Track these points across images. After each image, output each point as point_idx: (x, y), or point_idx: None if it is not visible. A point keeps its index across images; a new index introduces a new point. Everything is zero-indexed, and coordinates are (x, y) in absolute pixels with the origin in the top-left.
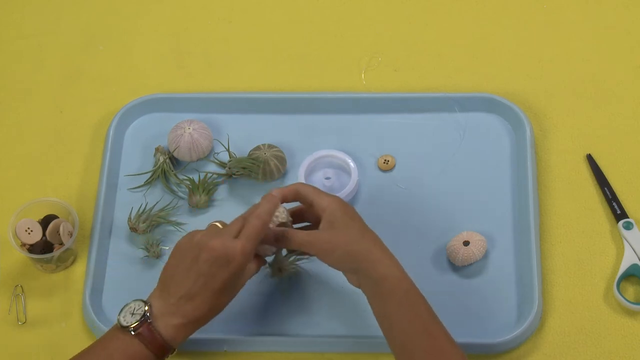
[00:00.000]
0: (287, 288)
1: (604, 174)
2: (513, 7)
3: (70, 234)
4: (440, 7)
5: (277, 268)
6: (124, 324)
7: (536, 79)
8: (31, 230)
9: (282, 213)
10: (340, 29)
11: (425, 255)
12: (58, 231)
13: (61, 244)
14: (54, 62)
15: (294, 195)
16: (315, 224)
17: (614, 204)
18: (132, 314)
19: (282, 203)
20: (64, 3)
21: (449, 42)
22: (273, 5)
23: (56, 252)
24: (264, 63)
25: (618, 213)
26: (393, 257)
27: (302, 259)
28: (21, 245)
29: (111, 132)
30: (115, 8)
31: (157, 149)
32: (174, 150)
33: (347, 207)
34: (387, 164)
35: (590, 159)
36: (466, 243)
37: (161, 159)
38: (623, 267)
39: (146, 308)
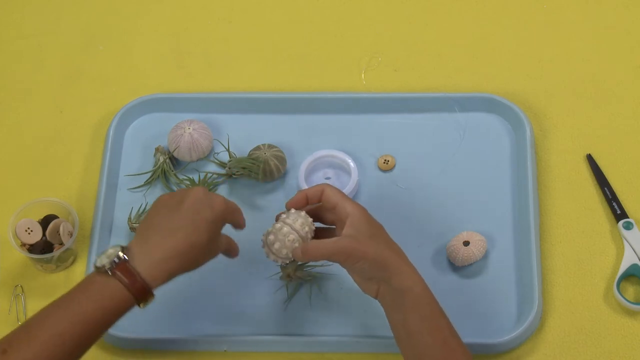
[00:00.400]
0: (287, 288)
1: (604, 174)
2: (513, 7)
3: (70, 234)
4: (440, 7)
5: (288, 274)
6: (98, 264)
7: (536, 79)
8: (31, 230)
9: (310, 225)
10: (340, 29)
11: (425, 255)
12: (58, 231)
13: (61, 244)
14: (54, 62)
15: (320, 195)
16: (328, 224)
17: (614, 204)
18: (108, 256)
19: (306, 203)
20: (64, 3)
21: (449, 42)
22: (273, 5)
23: (56, 252)
24: (264, 63)
25: (618, 213)
26: (416, 270)
27: (316, 266)
28: (21, 245)
29: (111, 132)
30: (115, 8)
31: (157, 149)
32: (174, 150)
33: (372, 217)
34: (387, 164)
35: (590, 159)
36: (466, 243)
37: (161, 159)
38: (623, 267)
39: (121, 251)
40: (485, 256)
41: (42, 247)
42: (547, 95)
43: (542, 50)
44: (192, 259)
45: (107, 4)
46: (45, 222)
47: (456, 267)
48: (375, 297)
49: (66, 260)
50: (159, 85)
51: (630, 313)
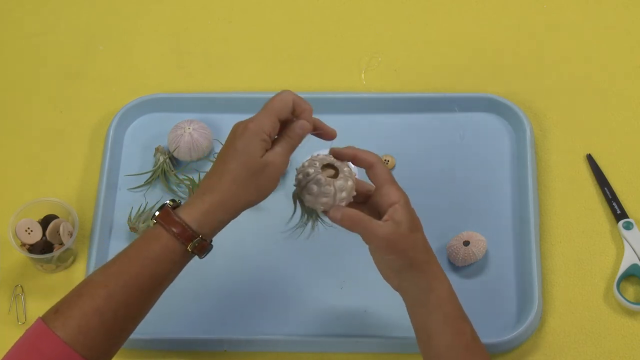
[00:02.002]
0: (287, 288)
1: (604, 174)
2: (513, 7)
3: (70, 234)
4: (440, 7)
5: (308, 214)
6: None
7: (536, 79)
8: (31, 230)
9: (350, 185)
10: (340, 29)
11: None
12: (58, 231)
13: (61, 244)
14: (54, 62)
15: (367, 166)
16: (362, 201)
17: (614, 204)
18: (160, 207)
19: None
20: (64, 3)
21: (449, 42)
22: (273, 5)
23: (56, 252)
24: (264, 63)
25: (618, 213)
26: (443, 270)
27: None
28: (21, 245)
29: (111, 132)
30: (115, 8)
31: (157, 149)
32: (174, 150)
33: (413, 208)
34: (387, 164)
35: (590, 159)
36: (466, 243)
37: (161, 159)
38: (623, 267)
39: (168, 201)
40: (485, 256)
41: (42, 247)
42: (547, 95)
43: (542, 50)
44: (241, 202)
45: (107, 4)
46: (45, 222)
47: (456, 267)
48: (396, 289)
49: (66, 260)
50: (159, 85)
51: (630, 313)
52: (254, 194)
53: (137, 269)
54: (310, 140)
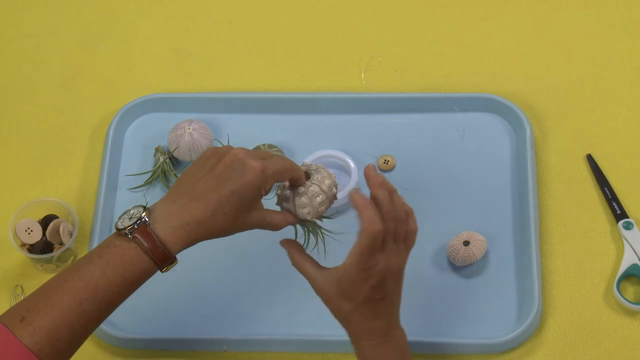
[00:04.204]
0: (287, 288)
1: (604, 174)
2: (513, 7)
3: (70, 234)
4: (440, 8)
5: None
6: (120, 226)
7: (536, 79)
8: (31, 230)
9: (335, 184)
10: (340, 29)
11: (425, 255)
12: (58, 231)
13: (61, 244)
14: (54, 62)
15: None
16: None
17: (614, 204)
18: (130, 218)
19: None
20: (64, 3)
21: (449, 42)
22: (273, 6)
23: (56, 252)
24: (264, 63)
25: (618, 213)
26: (376, 348)
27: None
28: (21, 245)
29: (111, 132)
30: (115, 8)
31: (157, 149)
32: (174, 150)
33: (358, 282)
34: (387, 164)
35: (590, 159)
36: (466, 243)
37: (161, 159)
38: (623, 267)
39: (144, 213)
40: (485, 256)
41: (42, 247)
42: (547, 95)
43: (542, 50)
44: (215, 228)
45: (107, 4)
46: (45, 222)
47: (456, 267)
48: None
49: (66, 260)
50: (159, 85)
51: (630, 313)
52: (233, 227)
53: (112, 288)
54: (311, 140)
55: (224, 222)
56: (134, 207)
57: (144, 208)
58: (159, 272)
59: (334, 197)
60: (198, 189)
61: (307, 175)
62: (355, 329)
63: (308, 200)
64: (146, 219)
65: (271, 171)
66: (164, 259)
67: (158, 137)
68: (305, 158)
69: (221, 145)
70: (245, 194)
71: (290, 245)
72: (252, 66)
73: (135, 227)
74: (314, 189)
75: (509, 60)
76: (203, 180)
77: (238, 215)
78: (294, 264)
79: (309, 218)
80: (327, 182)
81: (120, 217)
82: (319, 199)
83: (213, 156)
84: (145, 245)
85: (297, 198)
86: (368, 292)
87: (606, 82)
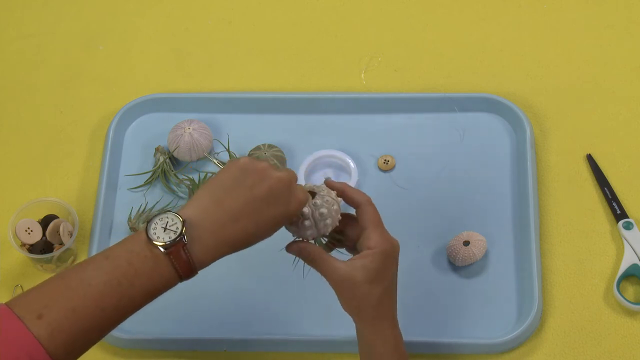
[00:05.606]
0: (287, 288)
1: (604, 174)
2: (513, 7)
3: (70, 234)
4: (440, 8)
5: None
6: (154, 236)
7: (536, 79)
8: (31, 230)
9: (339, 205)
10: (340, 29)
11: (425, 255)
12: (58, 231)
13: (61, 244)
14: (54, 62)
15: (354, 205)
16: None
17: (614, 204)
18: (165, 228)
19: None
20: (64, 3)
21: (449, 42)
22: (273, 6)
23: (56, 252)
24: (264, 63)
25: (618, 213)
26: (393, 327)
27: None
28: (21, 245)
29: (111, 132)
30: (115, 8)
31: (157, 149)
32: (174, 150)
33: (389, 261)
34: (387, 164)
35: (590, 159)
36: (466, 243)
37: (161, 159)
38: (623, 267)
39: (181, 227)
40: (485, 256)
41: (42, 247)
42: (547, 95)
43: (542, 50)
44: (244, 246)
45: (107, 4)
46: (45, 222)
47: (456, 267)
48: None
49: (66, 260)
50: (159, 85)
51: (630, 313)
52: (256, 242)
53: (137, 298)
54: (311, 140)
55: (255, 242)
56: (168, 212)
57: (180, 219)
58: None
59: (336, 219)
60: (237, 207)
61: (312, 194)
62: (382, 314)
63: (311, 222)
64: (185, 238)
65: (303, 197)
66: (190, 275)
67: (158, 137)
68: (305, 158)
69: (256, 157)
70: (284, 222)
71: (301, 244)
72: (252, 66)
73: (173, 243)
74: (321, 211)
75: (509, 60)
76: (243, 198)
77: (271, 233)
78: (312, 258)
79: (311, 238)
80: (323, 210)
81: (151, 221)
82: (325, 222)
83: (254, 172)
84: (178, 265)
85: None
86: (395, 272)
87: (606, 82)
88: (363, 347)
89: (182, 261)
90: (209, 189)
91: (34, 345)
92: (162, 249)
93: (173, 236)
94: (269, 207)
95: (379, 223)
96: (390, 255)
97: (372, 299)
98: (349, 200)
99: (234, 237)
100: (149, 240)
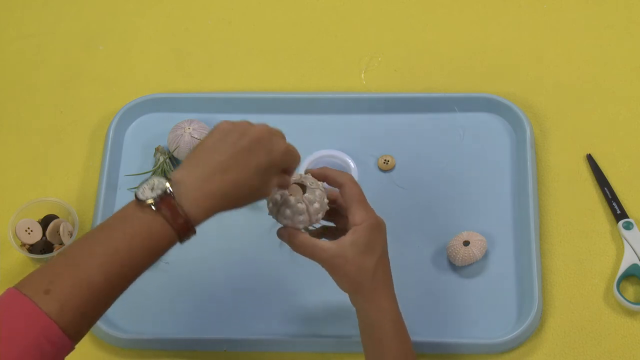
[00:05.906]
0: (287, 288)
1: (604, 174)
2: (513, 7)
3: (70, 234)
4: (440, 8)
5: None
6: (142, 197)
7: (536, 79)
8: (31, 230)
9: (319, 194)
10: (340, 29)
11: (425, 255)
12: (58, 231)
13: (61, 244)
14: (54, 62)
15: (338, 186)
16: (335, 222)
17: (614, 204)
18: (152, 189)
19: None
20: (64, 3)
21: (449, 42)
22: (273, 6)
23: (56, 252)
24: (264, 63)
25: (618, 213)
26: (392, 298)
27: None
28: (21, 245)
29: (111, 132)
30: (115, 8)
31: (157, 149)
32: (174, 150)
33: (377, 233)
34: (387, 164)
35: (590, 159)
36: (466, 243)
37: (161, 159)
38: (623, 267)
39: (167, 184)
40: (485, 256)
41: (42, 247)
42: (547, 95)
43: (542, 50)
44: (236, 200)
45: (107, 4)
46: (45, 222)
47: (456, 267)
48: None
49: None
50: (159, 85)
51: (630, 313)
52: (252, 199)
53: (138, 261)
54: (311, 140)
55: (247, 194)
56: (153, 176)
57: (166, 178)
58: (157, 275)
59: (325, 205)
60: (223, 160)
61: (303, 187)
62: (379, 285)
63: (304, 206)
64: (171, 190)
65: (291, 150)
66: (186, 231)
67: (158, 137)
68: (305, 158)
69: (235, 120)
70: (272, 167)
71: (288, 231)
72: (252, 66)
73: (160, 198)
74: (309, 196)
75: (509, 60)
76: (228, 152)
77: (262, 187)
78: (299, 244)
79: (302, 226)
80: (317, 192)
81: (139, 187)
82: (314, 206)
83: (234, 130)
84: (169, 216)
85: (294, 206)
86: (385, 245)
87: (606, 82)
88: (363, 322)
89: (174, 215)
90: (194, 153)
91: (46, 322)
92: (152, 207)
93: (159, 192)
94: (253, 155)
95: (362, 200)
96: (376, 227)
97: (367, 272)
98: (332, 182)
99: (223, 188)
100: (137, 200)
